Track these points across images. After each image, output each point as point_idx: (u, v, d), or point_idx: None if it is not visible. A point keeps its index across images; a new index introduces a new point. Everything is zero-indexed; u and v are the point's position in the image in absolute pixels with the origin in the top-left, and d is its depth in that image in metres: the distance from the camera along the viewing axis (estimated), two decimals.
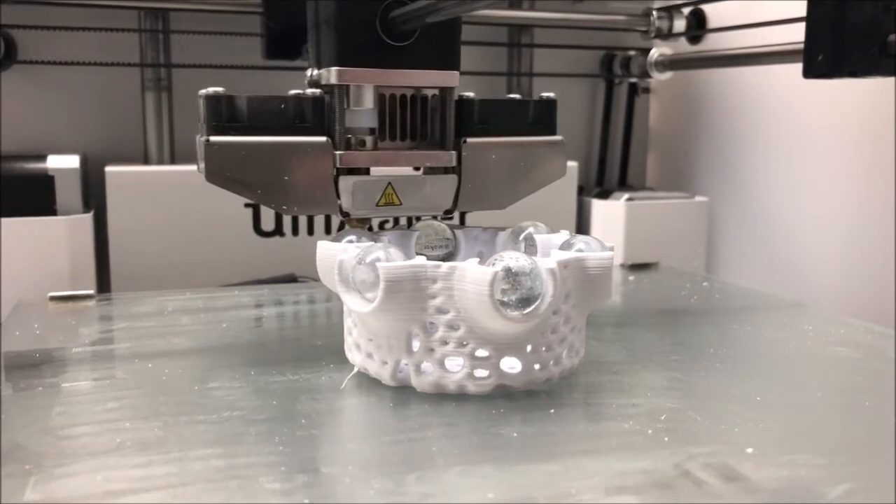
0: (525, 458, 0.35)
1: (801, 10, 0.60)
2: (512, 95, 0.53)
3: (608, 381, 0.44)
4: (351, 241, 0.44)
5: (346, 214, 0.48)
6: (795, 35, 0.65)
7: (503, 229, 0.51)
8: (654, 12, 0.90)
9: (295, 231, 0.80)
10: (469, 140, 0.50)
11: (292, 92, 0.47)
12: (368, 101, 0.48)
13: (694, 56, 0.91)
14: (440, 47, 0.48)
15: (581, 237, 0.44)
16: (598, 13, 0.91)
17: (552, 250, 0.44)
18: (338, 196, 0.48)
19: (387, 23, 0.46)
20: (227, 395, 0.41)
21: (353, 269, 0.41)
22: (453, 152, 0.50)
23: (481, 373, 0.40)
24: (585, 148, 1.00)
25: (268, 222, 0.79)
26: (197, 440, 0.36)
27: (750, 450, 0.35)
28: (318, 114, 0.47)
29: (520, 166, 0.52)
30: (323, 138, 0.47)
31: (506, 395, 0.41)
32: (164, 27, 0.80)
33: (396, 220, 0.70)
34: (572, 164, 0.88)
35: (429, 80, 0.48)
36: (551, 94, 0.52)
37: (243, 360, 0.47)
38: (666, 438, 0.36)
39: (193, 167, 0.77)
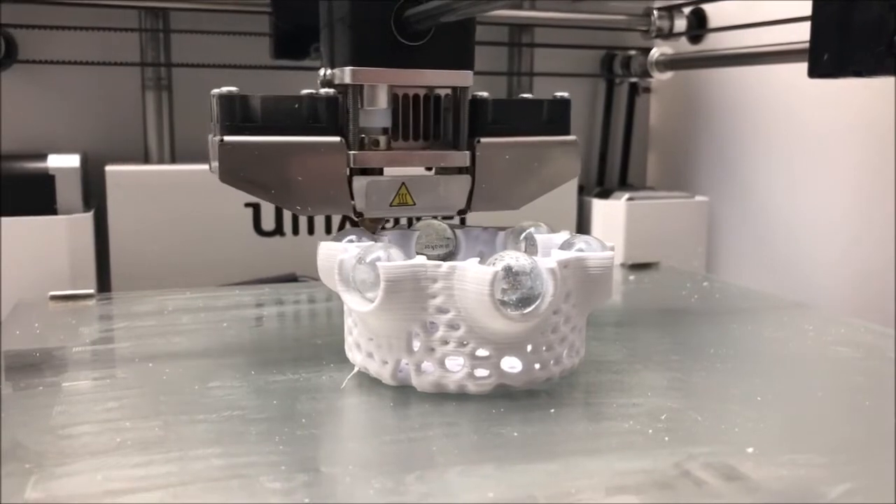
0: (525, 457, 0.35)
1: (800, 9, 0.60)
2: (525, 95, 0.53)
3: (608, 380, 0.44)
4: (351, 241, 0.44)
5: (359, 215, 0.48)
6: (795, 35, 0.65)
7: (503, 229, 0.51)
8: (655, 12, 0.90)
9: (295, 230, 0.80)
10: (483, 140, 0.49)
11: (305, 91, 0.47)
12: (382, 100, 0.47)
13: (694, 56, 0.91)
14: (455, 47, 0.47)
15: (581, 237, 0.44)
16: (598, 13, 0.91)
17: (552, 250, 0.44)
18: (351, 196, 0.47)
19: (401, 22, 0.46)
20: (227, 394, 0.41)
21: (354, 268, 0.41)
22: (467, 152, 0.49)
23: (482, 372, 0.40)
24: (586, 147, 1.00)
25: (268, 222, 0.79)
26: (197, 439, 0.36)
27: (750, 449, 0.35)
28: (331, 114, 0.47)
29: (533, 166, 0.51)
30: (337, 138, 0.47)
31: (506, 395, 0.41)
32: (164, 26, 0.80)
33: (397, 220, 0.70)
34: None
35: (443, 79, 0.48)
36: (565, 94, 0.52)
37: (244, 360, 0.47)
38: (666, 438, 0.36)
39: (194, 167, 0.79)
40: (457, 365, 0.40)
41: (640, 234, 0.88)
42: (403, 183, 0.48)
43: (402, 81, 0.47)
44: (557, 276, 0.39)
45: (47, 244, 0.71)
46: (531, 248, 0.48)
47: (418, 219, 0.51)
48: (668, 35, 0.91)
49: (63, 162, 0.73)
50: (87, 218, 0.73)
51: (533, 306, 0.39)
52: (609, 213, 0.90)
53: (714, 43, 0.92)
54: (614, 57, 0.96)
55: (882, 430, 0.38)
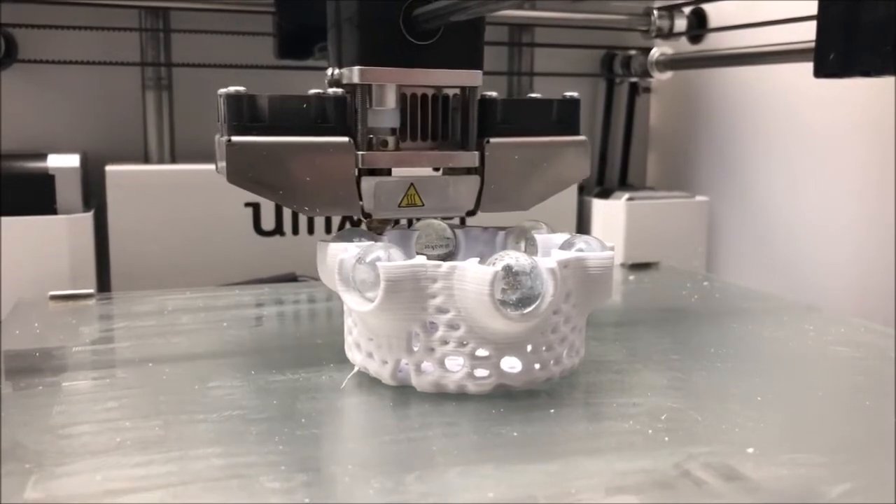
0: (525, 457, 0.35)
1: (801, 9, 0.60)
2: (534, 95, 0.52)
3: (608, 380, 0.44)
4: (351, 241, 0.44)
5: (367, 215, 0.48)
6: (796, 35, 0.65)
7: (503, 229, 0.51)
8: (655, 11, 0.90)
9: (295, 230, 0.80)
10: (492, 140, 0.49)
11: (313, 91, 0.46)
12: (391, 100, 0.47)
13: (695, 55, 0.91)
14: (464, 46, 0.47)
15: (581, 237, 0.44)
16: (598, 13, 0.90)
17: (552, 250, 0.44)
18: (360, 197, 0.47)
19: (410, 21, 0.45)
20: (227, 394, 0.41)
21: (354, 268, 0.41)
22: (476, 152, 0.49)
23: (481, 372, 0.40)
24: None
25: (268, 222, 0.79)
26: (197, 439, 0.36)
27: (750, 449, 0.35)
28: (339, 114, 0.46)
29: (543, 166, 0.51)
30: (345, 138, 0.46)
31: (506, 395, 0.41)
32: (164, 26, 0.80)
33: (397, 220, 0.70)
34: None
35: (453, 79, 0.47)
36: (574, 94, 0.52)
37: (243, 360, 0.47)
38: (666, 438, 0.36)
39: (194, 167, 0.79)
40: (457, 365, 0.40)
41: (640, 234, 0.88)
42: (412, 184, 0.48)
43: (410, 81, 0.47)
44: (557, 276, 0.39)
45: (47, 244, 0.71)
46: (531, 248, 0.48)
47: (418, 219, 0.51)
48: (668, 35, 0.91)
49: (63, 162, 0.73)
50: (87, 218, 0.73)
51: (533, 306, 0.39)
52: (609, 212, 0.90)
53: (714, 43, 0.92)
54: (614, 57, 0.96)
55: (882, 430, 0.38)
